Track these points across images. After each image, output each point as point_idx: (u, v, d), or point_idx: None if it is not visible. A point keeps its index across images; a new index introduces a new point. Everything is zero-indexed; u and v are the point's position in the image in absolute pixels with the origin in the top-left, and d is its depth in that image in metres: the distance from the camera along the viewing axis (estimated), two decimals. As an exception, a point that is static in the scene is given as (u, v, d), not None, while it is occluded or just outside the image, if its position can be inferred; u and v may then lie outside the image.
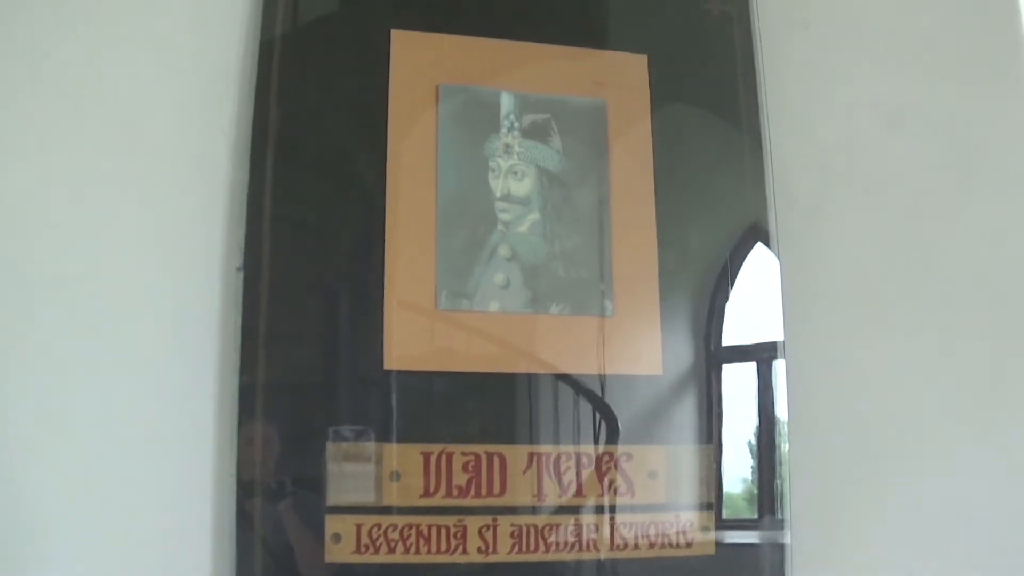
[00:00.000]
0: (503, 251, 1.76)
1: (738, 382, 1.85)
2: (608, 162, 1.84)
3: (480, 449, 1.69)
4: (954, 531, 1.83)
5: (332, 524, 1.63)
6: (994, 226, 1.96)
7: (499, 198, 1.78)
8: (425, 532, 1.65)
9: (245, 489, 1.61)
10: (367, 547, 1.63)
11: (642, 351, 1.80)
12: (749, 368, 1.86)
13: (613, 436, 1.75)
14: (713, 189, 1.91)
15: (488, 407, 1.74)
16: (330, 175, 1.77)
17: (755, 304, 1.86)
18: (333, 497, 1.63)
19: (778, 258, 1.86)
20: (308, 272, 1.71)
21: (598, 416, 1.76)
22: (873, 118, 1.97)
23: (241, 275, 1.65)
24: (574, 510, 1.72)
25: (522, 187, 1.79)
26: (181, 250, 1.68)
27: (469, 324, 1.74)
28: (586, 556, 1.71)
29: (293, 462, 1.65)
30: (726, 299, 1.86)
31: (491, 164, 1.79)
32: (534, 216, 1.79)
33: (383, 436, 1.66)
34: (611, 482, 1.73)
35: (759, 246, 1.87)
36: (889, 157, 1.95)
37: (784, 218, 1.87)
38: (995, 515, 1.84)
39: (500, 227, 1.77)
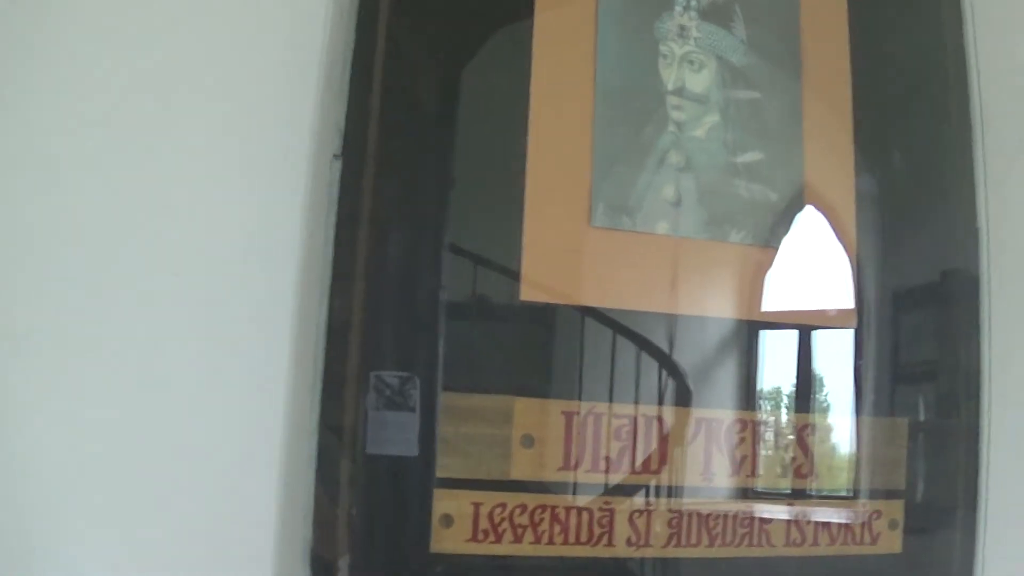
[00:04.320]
0: (675, 158, 1.22)
1: (933, 345, 1.35)
2: (801, 62, 1.30)
3: (637, 411, 1.18)
4: None
5: (442, 502, 1.10)
6: None
7: (671, 91, 1.23)
8: (562, 517, 1.14)
9: (327, 450, 1.10)
10: (487, 534, 1.11)
11: (835, 299, 1.28)
12: (947, 323, 1.36)
13: (801, 403, 1.26)
14: (914, 111, 1.38)
15: (650, 358, 1.20)
16: (459, 45, 1.21)
17: (956, 248, 1.36)
18: (445, 466, 1.11)
19: (984, 197, 1.36)
20: (423, 167, 1.17)
21: (777, 376, 1.26)
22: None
23: (339, 164, 1.13)
24: (746, 494, 1.22)
25: (699, 80, 1.24)
26: (264, 134, 1.16)
27: (631, 247, 1.20)
28: (756, 553, 1.20)
29: (393, 418, 1.10)
30: (927, 241, 1.35)
31: (662, 49, 1.24)
32: (713, 118, 1.24)
33: (514, 388, 1.13)
34: (793, 459, 1.24)
35: (964, 181, 1.36)
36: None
37: (991, 148, 1.38)
38: None
39: (672, 128, 1.22)
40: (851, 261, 1.29)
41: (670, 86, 1.24)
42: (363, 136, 1.15)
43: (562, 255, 1.18)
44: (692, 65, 1.25)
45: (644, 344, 1.20)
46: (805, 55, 1.30)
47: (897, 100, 1.36)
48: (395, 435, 1.11)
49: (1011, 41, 1.43)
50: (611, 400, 1.17)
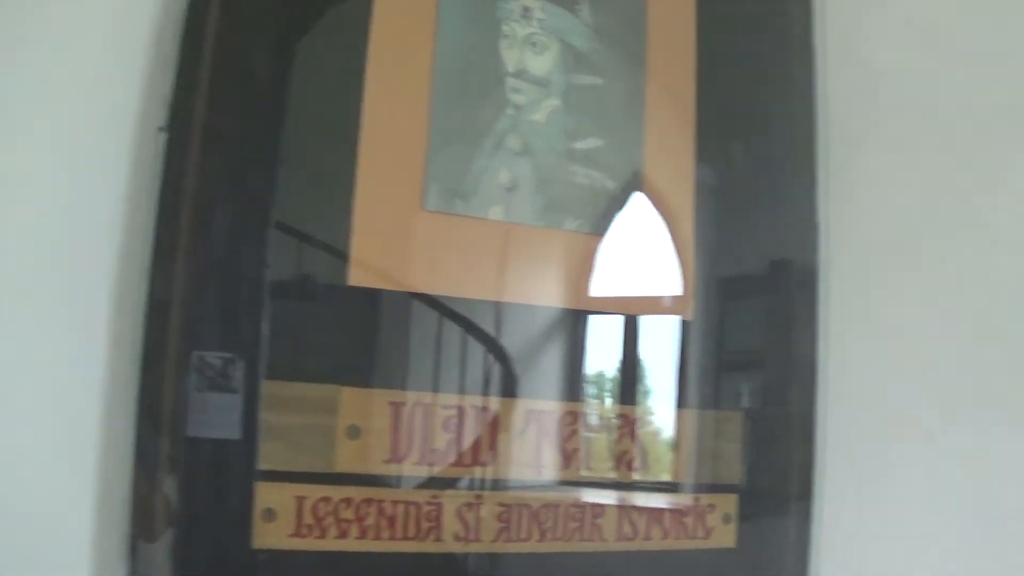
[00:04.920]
0: (513, 142, 1.19)
1: (769, 336, 1.35)
2: (646, 50, 1.28)
3: (467, 401, 1.15)
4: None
5: (264, 495, 1.06)
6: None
7: (512, 73, 1.20)
8: (389, 511, 1.10)
9: (146, 438, 1.03)
10: (311, 528, 1.07)
11: (671, 290, 1.27)
12: (784, 314, 1.36)
13: (634, 396, 1.24)
14: (758, 103, 1.38)
15: (481, 348, 1.18)
16: (294, 16, 1.15)
17: (794, 240, 1.36)
18: (267, 457, 1.06)
19: (824, 192, 1.37)
20: (252, 142, 1.11)
21: (610, 367, 1.24)
22: (928, 38, 1.46)
23: (164, 137, 1.06)
24: (577, 487, 1.20)
25: (541, 63, 1.22)
26: (86, 104, 1.09)
27: (464, 233, 1.17)
28: (587, 548, 1.18)
29: (215, 400, 1.05)
30: (764, 232, 1.35)
31: (504, 29, 1.21)
32: (554, 102, 1.22)
33: (340, 377, 1.09)
34: (625, 452, 1.22)
35: (805, 174, 1.36)
36: (945, 83, 1.44)
37: (833, 140, 1.39)
38: None
39: (511, 111, 1.19)
40: (689, 252, 1.28)
41: (511, 68, 1.21)
42: (191, 108, 1.09)
43: (393, 239, 1.14)
44: (534, 47, 1.22)
45: (474, 333, 1.18)
46: (651, 43, 1.29)
47: (741, 92, 1.36)
48: (217, 418, 1.06)
49: (857, 36, 1.45)
50: (439, 390, 1.14)
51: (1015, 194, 1.42)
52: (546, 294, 1.22)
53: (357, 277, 1.11)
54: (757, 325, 1.35)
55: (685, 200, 1.28)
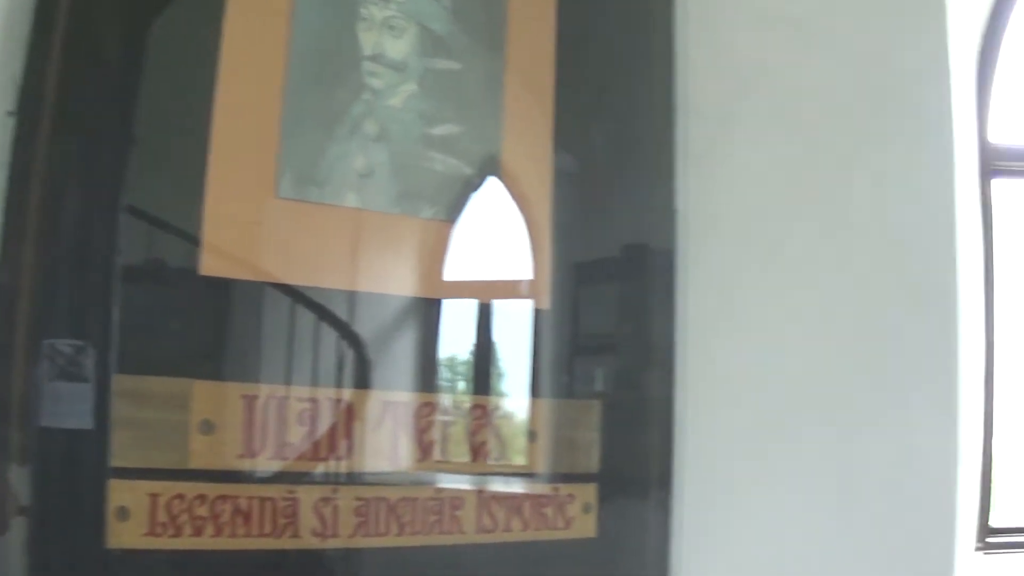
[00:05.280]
0: (369, 127, 1.17)
1: (627, 324, 1.35)
2: (506, 36, 1.27)
3: (322, 394, 1.12)
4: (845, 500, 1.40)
5: (118, 493, 1.02)
6: (900, 167, 1.49)
7: (369, 57, 1.18)
8: (244, 507, 1.07)
9: None
10: (165, 527, 1.04)
11: (528, 277, 1.26)
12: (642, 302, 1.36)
13: (491, 386, 1.24)
14: (618, 92, 1.37)
15: (335, 337, 1.16)
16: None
17: (652, 226, 1.36)
18: (119, 455, 1.03)
19: (683, 178, 1.37)
20: (104, 126, 1.06)
21: (467, 357, 1.24)
22: (787, 30, 1.48)
23: (13, 121, 1.02)
24: (435, 479, 1.20)
25: (399, 47, 1.20)
26: None
27: (318, 221, 1.14)
28: (447, 540, 1.17)
29: (67, 389, 1.01)
30: (623, 218, 1.35)
31: (362, 12, 1.19)
32: (411, 87, 1.20)
33: (192, 369, 1.06)
34: (483, 444, 1.21)
35: (664, 160, 1.36)
36: (804, 74, 1.47)
37: (693, 129, 1.39)
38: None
39: (367, 95, 1.17)
40: (546, 238, 1.27)
41: (368, 51, 1.19)
42: (41, 92, 1.05)
43: (245, 226, 1.11)
44: (393, 31, 1.20)
45: (329, 323, 1.16)
46: (511, 29, 1.28)
47: (601, 79, 1.36)
48: (69, 408, 1.03)
49: (718, 26, 1.46)
50: (293, 383, 1.12)
51: (869, 182, 1.46)
52: (401, 282, 1.21)
53: (209, 266, 1.08)
54: (615, 311, 1.36)
55: (543, 187, 1.27)
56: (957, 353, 1.46)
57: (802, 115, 1.47)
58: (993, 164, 1.91)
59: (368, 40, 1.19)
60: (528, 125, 1.28)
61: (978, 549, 1.86)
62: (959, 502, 1.46)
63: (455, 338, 1.24)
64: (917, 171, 1.49)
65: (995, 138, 1.92)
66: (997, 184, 1.93)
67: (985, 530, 1.93)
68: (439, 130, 1.22)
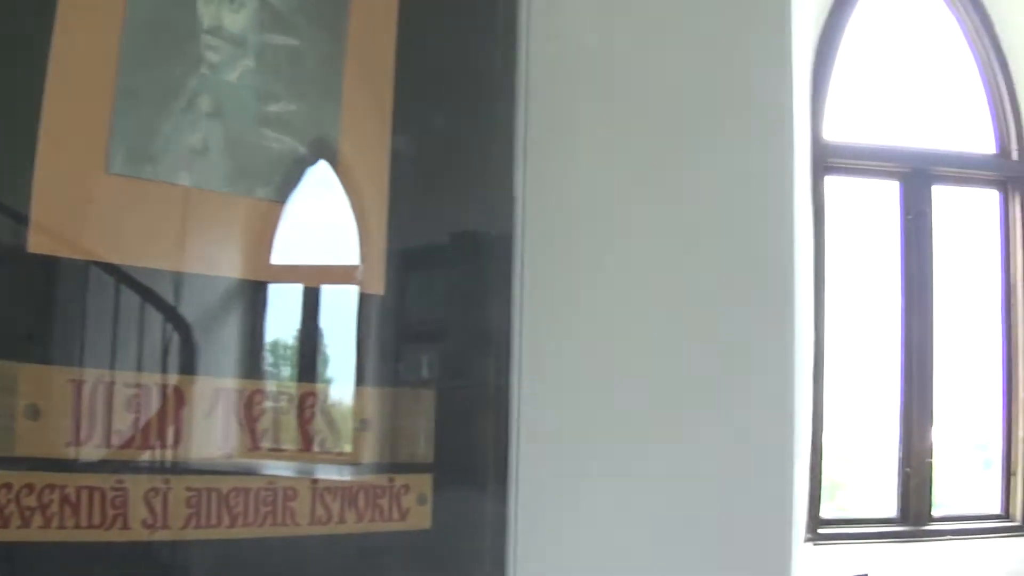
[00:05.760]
0: (204, 103, 1.13)
1: (464, 311, 1.34)
2: (348, 15, 1.24)
3: (152, 380, 1.09)
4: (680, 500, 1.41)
5: (-63, 482, 1.01)
6: (740, 161, 1.50)
7: (206, 30, 1.14)
8: (72, 497, 1.03)
9: None
10: (-12, 519, 1.03)
11: (362, 263, 1.25)
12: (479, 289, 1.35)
13: (321, 374, 1.22)
14: (461, 77, 1.35)
15: (165, 321, 1.12)
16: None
17: (491, 212, 1.35)
18: None
19: (522, 166, 1.35)
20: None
21: (300, 343, 1.22)
22: (632, 22, 1.47)
23: None
24: (267, 469, 1.16)
25: (237, 20, 1.16)
26: None
27: (150, 199, 1.10)
28: (281, 532, 1.14)
29: None
30: (461, 203, 1.33)
31: (201, -18, 1.19)
32: (248, 62, 1.16)
33: (17, 353, 1.02)
34: (315, 433, 1.19)
35: (503, 146, 1.34)
36: (647, 66, 1.47)
37: (534, 117, 1.37)
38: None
39: (204, 69, 1.13)
40: (382, 222, 1.25)
41: (206, 24, 1.15)
42: None
43: (75, 203, 1.07)
44: (232, 3, 1.17)
45: (157, 306, 1.12)
46: (353, 9, 1.26)
47: (442, 63, 1.34)
48: None
49: (560, 15, 1.45)
50: (122, 368, 1.08)
51: (708, 173, 1.48)
52: (231, 264, 1.18)
53: (38, 243, 1.04)
54: (451, 298, 1.36)
55: (380, 171, 1.25)
56: (794, 348, 1.49)
57: (645, 106, 1.47)
58: (827, 161, 1.95)
59: (207, 12, 1.15)
60: (367, 107, 1.26)
61: (808, 540, 1.90)
62: (795, 495, 1.49)
63: (286, 324, 1.22)
64: (757, 166, 1.50)
65: (829, 135, 1.97)
66: (829, 181, 1.98)
67: (816, 521, 1.98)
68: (275, 107, 1.19)
